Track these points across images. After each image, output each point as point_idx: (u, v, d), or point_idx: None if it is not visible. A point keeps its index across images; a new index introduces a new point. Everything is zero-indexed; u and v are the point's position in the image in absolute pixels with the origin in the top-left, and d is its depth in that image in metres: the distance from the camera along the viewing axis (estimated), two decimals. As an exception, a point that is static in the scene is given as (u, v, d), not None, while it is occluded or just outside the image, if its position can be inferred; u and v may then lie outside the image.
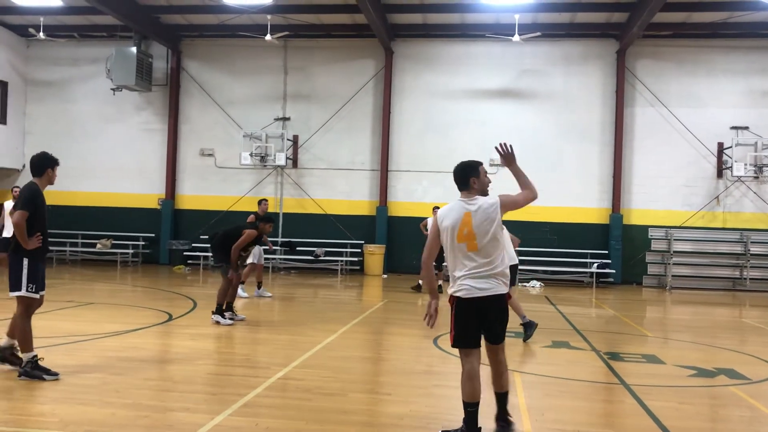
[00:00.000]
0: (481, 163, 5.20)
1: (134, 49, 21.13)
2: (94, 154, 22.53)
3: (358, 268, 21.04)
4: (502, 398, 5.17)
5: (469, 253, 4.93)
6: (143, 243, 22.13)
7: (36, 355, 6.55)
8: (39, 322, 9.93)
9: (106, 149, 22.54)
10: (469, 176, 5.08)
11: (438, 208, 15.99)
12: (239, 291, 13.46)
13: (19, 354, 6.65)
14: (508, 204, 5.07)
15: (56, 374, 6.52)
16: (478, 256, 4.93)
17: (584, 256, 20.12)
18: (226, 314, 10.52)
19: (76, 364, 7.20)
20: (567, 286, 19.31)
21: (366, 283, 18.61)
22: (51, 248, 21.50)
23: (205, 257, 20.99)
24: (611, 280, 19.82)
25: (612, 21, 19.90)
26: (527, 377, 7.40)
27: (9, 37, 22.39)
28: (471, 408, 4.89)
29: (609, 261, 19.89)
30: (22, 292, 6.55)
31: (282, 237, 20.74)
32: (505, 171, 19.91)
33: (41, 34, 21.03)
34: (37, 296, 6.65)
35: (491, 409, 5.24)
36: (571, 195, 20.43)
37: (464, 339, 4.97)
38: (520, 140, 20.45)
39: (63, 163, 22.97)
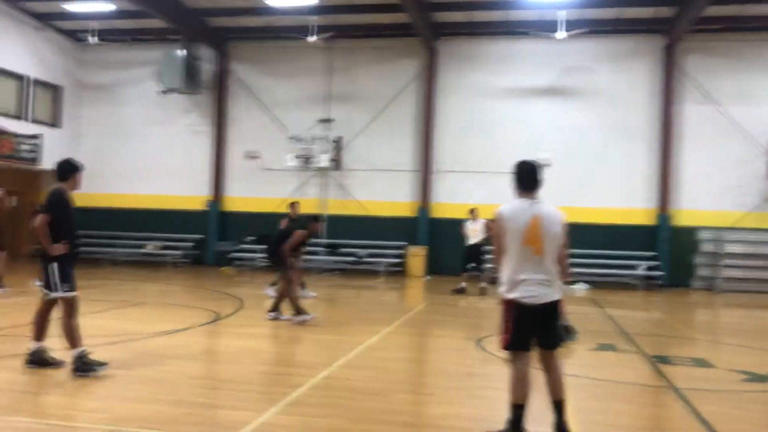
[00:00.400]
0: None
1: (182, 53, 21.54)
2: (143, 156, 23.06)
3: (400, 269, 21.03)
4: (559, 407, 5.04)
5: (535, 257, 4.89)
6: (191, 244, 22.53)
7: (84, 350, 6.70)
8: (92, 321, 10.23)
9: (155, 151, 23.03)
10: (541, 178, 5.08)
11: (474, 210, 16.01)
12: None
13: (52, 354, 6.85)
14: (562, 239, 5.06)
15: (105, 363, 6.70)
16: (544, 261, 4.92)
17: (631, 257, 19.74)
18: (272, 313, 10.67)
19: (126, 362, 7.39)
20: (614, 288, 18.99)
21: (408, 284, 18.62)
22: (103, 250, 22.35)
23: (251, 258, 21.30)
24: (659, 282, 19.41)
25: (660, 16, 19.47)
26: (573, 380, 7.30)
27: (63, 42, 23.06)
28: (519, 410, 4.88)
29: (657, 263, 19.48)
30: (59, 294, 6.74)
31: (325, 238, 20.88)
32: (550, 172, 19.70)
33: (94, 38, 21.59)
34: (74, 295, 6.81)
35: (535, 415, 5.20)
36: (617, 195, 20.08)
37: (519, 342, 4.94)
38: (565, 139, 20.31)
39: (114, 165, 23.61)
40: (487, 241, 15.76)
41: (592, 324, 11.23)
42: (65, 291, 6.75)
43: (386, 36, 21.57)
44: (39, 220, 6.75)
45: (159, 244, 22.34)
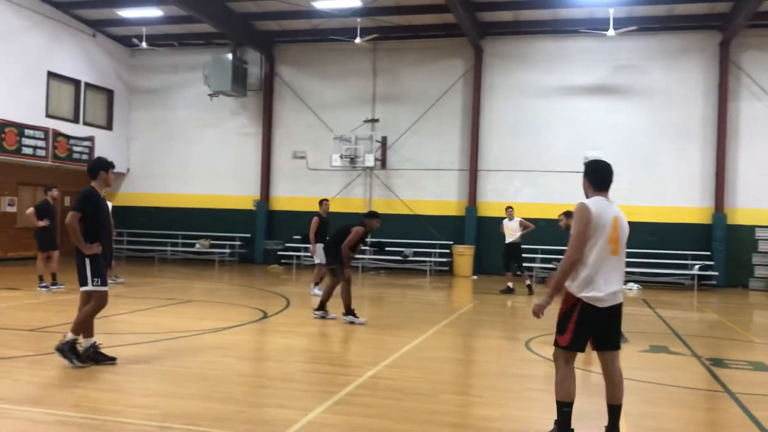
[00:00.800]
0: None
1: (230, 56, 21.89)
2: (192, 157, 23.50)
3: (446, 269, 20.96)
4: (616, 411, 4.94)
5: (612, 257, 4.82)
6: (239, 243, 22.86)
7: (76, 340, 6.94)
8: (143, 318, 10.46)
9: (204, 153, 23.44)
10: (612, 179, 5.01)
11: (511, 208, 15.84)
12: (315, 290, 13.76)
13: (100, 349, 7.06)
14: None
15: (85, 364, 6.87)
16: (619, 262, 4.88)
17: (685, 257, 19.25)
18: (319, 312, 10.72)
19: (176, 358, 7.51)
20: (666, 288, 18.54)
21: (455, 284, 18.51)
22: (153, 248, 22.85)
23: (298, 257, 21.49)
24: (714, 282, 18.88)
25: (714, 12, 18.93)
26: (625, 383, 7.14)
27: (115, 48, 23.65)
28: (567, 408, 4.81)
29: (712, 263, 18.94)
30: (89, 287, 6.95)
31: (371, 237, 20.90)
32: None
33: (144, 43, 22.10)
34: (104, 289, 7.02)
35: (582, 418, 5.10)
36: (669, 194, 19.61)
37: (579, 343, 4.85)
38: (615, 138, 19.93)
39: (164, 166, 24.15)
40: (522, 239, 15.62)
41: (643, 325, 10.97)
42: (95, 285, 6.95)
43: (431, 36, 21.52)
44: (69, 217, 6.94)
45: (206, 242, 22.73)
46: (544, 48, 20.80)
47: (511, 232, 15.55)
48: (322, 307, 10.80)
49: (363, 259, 21.05)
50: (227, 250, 22.53)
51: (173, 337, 8.80)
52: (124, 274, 16.42)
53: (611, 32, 18.22)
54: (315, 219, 14.13)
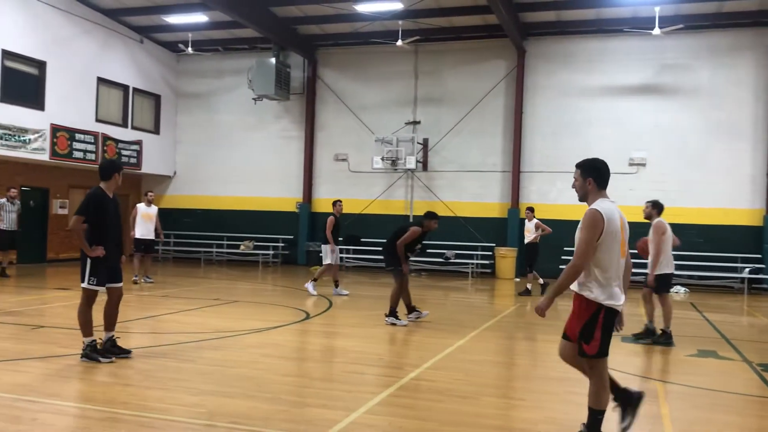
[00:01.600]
0: None
1: (273, 60, 22.16)
2: (237, 160, 23.84)
3: (489, 271, 20.83)
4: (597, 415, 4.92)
5: (620, 260, 4.77)
6: (282, 244, 23.10)
7: (95, 340, 7.20)
8: (189, 318, 10.65)
9: (248, 156, 23.76)
10: None
11: (532, 209, 15.65)
12: (310, 289, 13.94)
13: (118, 344, 7.37)
14: None
15: (110, 358, 7.16)
16: (624, 264, 4.84)
17: (734, 260, 18.77)
18: (411, 315, 10.79)
19: (222, 358, 7.64)
20: (715, 292, 18.11)
21: (497, 286, 18.39)
22: (198, 249, 23.25)
23: (340, 258, 21.54)
24: (765, 286, 18.36)
25: (765, 8, 18.42)
26: (672, 387, 7.03)
27: (161, 53, 24.15)
28: (601, 415, 4.79)
29: (762, 266, 18.43)
30: (84, 284, 7.19)
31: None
32: (646, 172, 19.03)
33: (189, 48, 22.53)
34: (97, 289, 7.24)
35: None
36: (718, 196, 19.14)
37: (607, 349, 4.79)
38: (661, 139, 19.58)
39: (210, 169, 24.56)
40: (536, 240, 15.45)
41: (691, 329, 10.74)
42: (90, 284, 7.17)
43: (473, 38, 21.41)
44: (72, 221, 7.15)
45: (250, 243, 23.03)
46: (588, 48, 20.52)
47: (528, 233, 15.54)
48: (412, 310, 10.87)
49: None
50: (270, 252, 22.81)
51: (219, 337, 8.95)
52: (170, 275, 16.75)
53: (657, 31, 17.87)
54: (330, 219, 14.43)
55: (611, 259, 4.69)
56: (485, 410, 5.94)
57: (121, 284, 7.49)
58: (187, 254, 23.91)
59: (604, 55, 20.34)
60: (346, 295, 14.27)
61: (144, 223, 15.34)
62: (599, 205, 4.74)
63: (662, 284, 9.55)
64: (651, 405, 6.30)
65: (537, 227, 15.34)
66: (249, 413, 5.51)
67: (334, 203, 14.97)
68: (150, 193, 15.94)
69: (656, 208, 9.65)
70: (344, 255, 21.47)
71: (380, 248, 19.83)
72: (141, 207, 15.57)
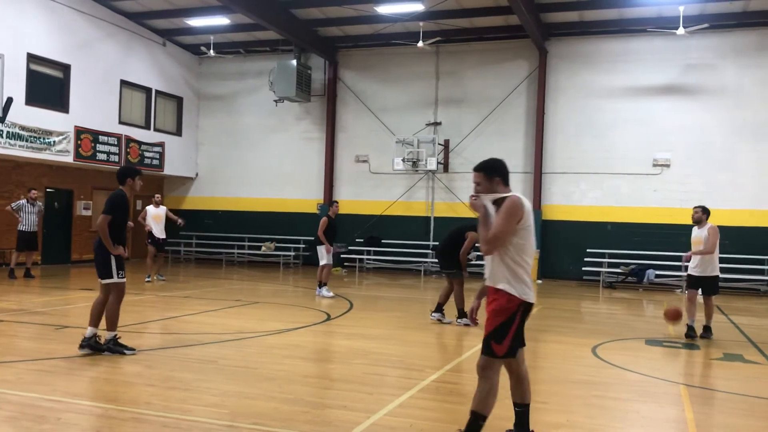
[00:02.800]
0: None
1: (294, 62, 22.24)
2: (258, 162, 23.96)
3: (511, 272, 20.67)
4: (527, 410, 4.96)
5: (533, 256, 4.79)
6: (303, 246, 23.16)
7: (117, 335, 7.57)
8: (211, 319, 10.71)
9: (270, 158, 23.87)
10: None
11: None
12: (324, 291, 13.90)
13: (101, 341, 7.59)
14: None
15: (133, 349, 7.58)
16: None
17: (761, 262, 18.48)
18: (436, 314, 10.98)
19: (244, 359, 7.67)
20: (741, 294, 17.84)
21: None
22: (220, 251, 23.43)
23: (361, 260, 21.62)
24: (793, 289, 18.07)
25: (792, 6, 18.15)
26: (695, 391, 6.92)
27: (183, 56, 24.35)
28: (483, 421, 4.67)
29: (790, 268, 18.14)
30: (114, 279, 7.54)
31: (433, 240, 20.86)
32: (670, 173, 18.84)
33: (211, 51, 22.69)
34: (125, 281, 7.66)
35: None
36: (746, 197, 18.84)
37: (516, 348, 4.72)
38: (686, 139, 19.34)
39: (231, 171, 24.77)
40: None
41: (716, 332, 10.57)
42: (120, 278, 7.56)
43: (495, 38, 21.31)
44: (100, 220, 7.53)
45: (271, 244, 23.12)
46: (611, 48, 20.34)
47: None
48: (438, 309, 11.00)
49: (425, 262, 21.03)
50: (292, 253, 22.88)
51: (241, 338, 8.98)
52: (192, 276, 16.88)
53: (681, 31, 17.66)
54: (324, 219, 14.40)
55: (525, 253, 4.61)
56: (507, 413, 5.87)
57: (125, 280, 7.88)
58: (208, 255, 24.06)
59: (627, 55, 20.14)
60: (331, 297, 14.05)
61: (155, 224, 16.06)
62: (518, 195, 4.65)
63: (716, 286, 10.35)
64: (676, 409, 6.22)
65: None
66: (270, 414, 5.52)
67: (332, 203, 15.13)
68: (157, 196, 16.72)
69: (706, 213, 10.28)
70: (365, 256, 21.49)
71: (401, 249, 20.09)
72: (150, 209, 16.27)
